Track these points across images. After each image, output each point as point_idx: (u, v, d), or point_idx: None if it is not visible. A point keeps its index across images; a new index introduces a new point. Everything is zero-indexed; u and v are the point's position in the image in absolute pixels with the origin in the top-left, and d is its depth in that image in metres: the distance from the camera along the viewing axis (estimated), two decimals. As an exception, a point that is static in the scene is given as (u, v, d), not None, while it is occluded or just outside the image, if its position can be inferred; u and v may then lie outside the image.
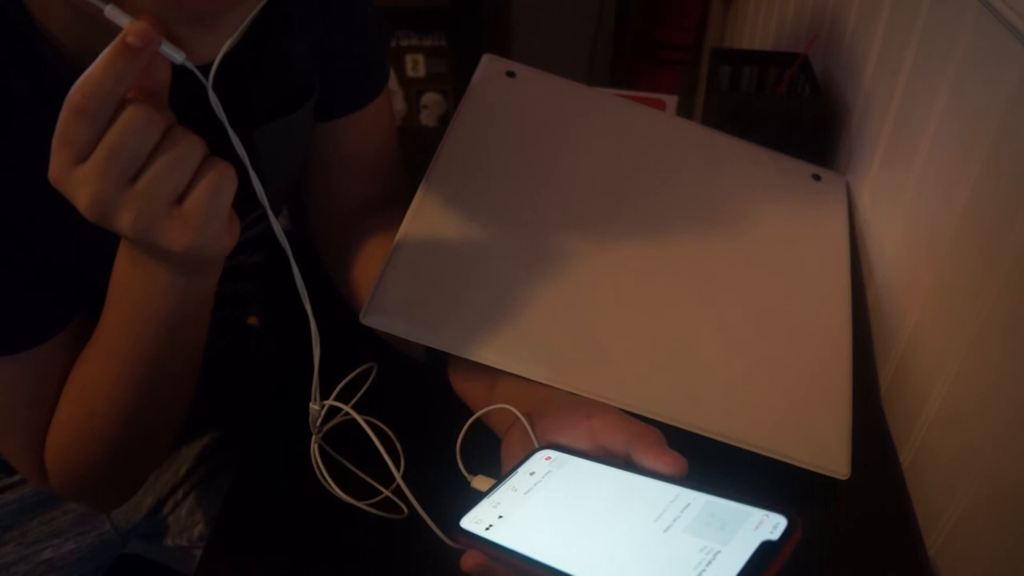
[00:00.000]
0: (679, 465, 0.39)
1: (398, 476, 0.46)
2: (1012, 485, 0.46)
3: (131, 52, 0.36)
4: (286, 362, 0.68)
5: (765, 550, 0.32)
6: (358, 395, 0.51)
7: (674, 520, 0.36)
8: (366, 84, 0.65)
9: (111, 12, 0.36)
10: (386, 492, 0.48)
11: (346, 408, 0.48)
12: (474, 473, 0.48)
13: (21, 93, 0.44)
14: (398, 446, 0.49)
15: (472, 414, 0.53)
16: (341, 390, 0.51)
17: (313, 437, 0.49)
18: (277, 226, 0.45)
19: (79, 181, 0.38)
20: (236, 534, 0.54)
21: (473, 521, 0.41)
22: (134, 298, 0.47)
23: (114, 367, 0.49)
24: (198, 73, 0.39)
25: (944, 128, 0.61)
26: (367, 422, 0.47)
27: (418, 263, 0.57)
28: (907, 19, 0.69)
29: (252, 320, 0.90)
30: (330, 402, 0.49)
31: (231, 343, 0.75)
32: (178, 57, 0.38)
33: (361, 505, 0.48)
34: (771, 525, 0.33)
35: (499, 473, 0.47)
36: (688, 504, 0.36)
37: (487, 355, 0.53)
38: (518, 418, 0.48)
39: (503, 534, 0.40)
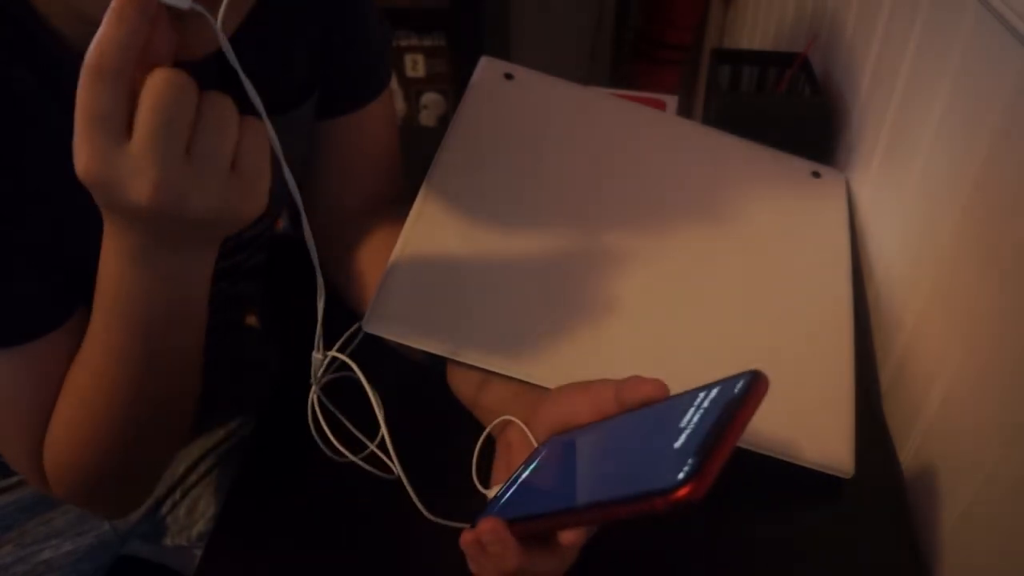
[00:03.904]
0: (659, 386, 0.41)
1: (387, 458, 0.46)
2: (1012, 484, 0.46)
3: (133, 2, 0.34)
4: (285, 362, 0.68)
5: (728, 407, 0.33)
6: (352, 344, 0.51)
7: (645, 428, 0.38)
8: (366, 83, 0.65)
9: None
10: (389, 472, 0.48)
11: (343, 358, 0.48)
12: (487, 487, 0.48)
13: (22, 80, 0.43)
14: (380, 415, 0.49)
15: (466, 414, 0.53)
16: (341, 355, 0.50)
17: (312, 388, 0.48)
18: (292, 182, 0.43)
19: (130, 169, 0.36)
20: (237, 533, 0.54)
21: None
22: (127, 292, 0.45)
23: (111, 367, 0.48)
24: (208, 16, 0.37)
25: (944, 127, 0.61)
26: (344, 393, 0.48)
27: (419, 269, 0.57)
28: (907, 19, 0.69)
29: (252, 321, 0.90)
30: (333, 352, 0.49)
31: (229, 343, 0.75)
32: (184, 2, 0.35)
33: (352, 458, 0.48)
34: (733, 387, 0.34)
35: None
36: (656, 410, 0.39)
37: (489, 360, 0.53)
38: (517, 422, 0.49)
39: (512, 511, 0.41)
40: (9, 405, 0.50)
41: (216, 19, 0.37)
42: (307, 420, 0.49)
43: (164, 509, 0.74)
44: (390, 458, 0.47)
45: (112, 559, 0.74)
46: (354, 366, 0.47)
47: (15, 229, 0.46)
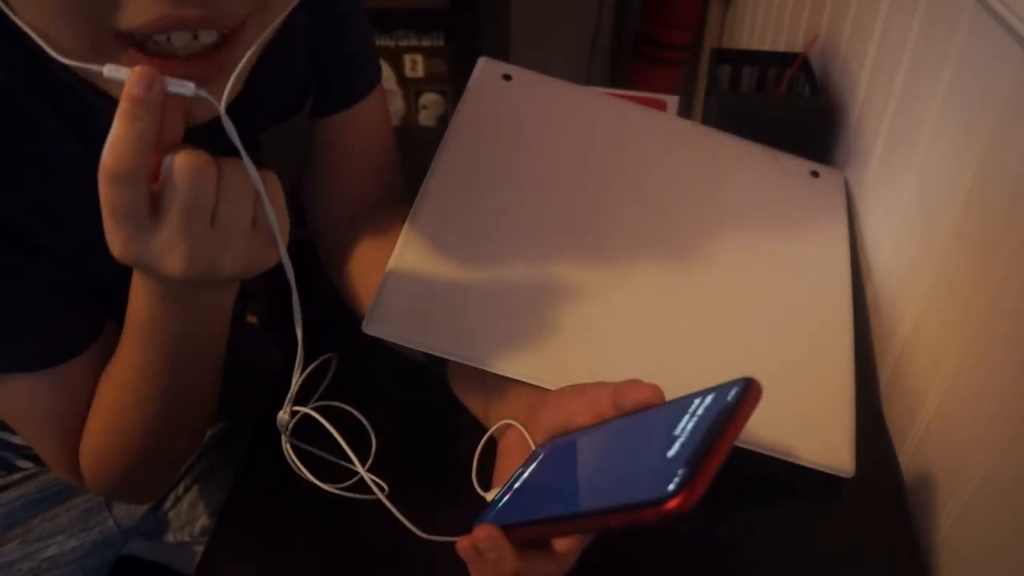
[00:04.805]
0: (655, 390, 0.42)
1: (361, 469, 0.46)
2: (1010, 483, 0.46)
3: (141, 102, 0.35)
4: (286, 359, 0.68)
5: (721, 415, 0.33)
6: (319, 391, 0.51)
7: (640, 434, 0.38)
8: (359, 78, 0.64)
9: (109, 71, 0.36)
10: (381, 488, 0.48)
11: (305, 409, 0.49)
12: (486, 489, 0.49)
13: (36, 108, 0.44)
14: (371, 433, 0.49)
15: (464, 419, 0.53)
16: (318, 386, 0.51)
17: (283, 437, 0.49)
18: (287, 259, 0.45)
19: (162, 250, 0.38)
20: (238, 530, 0.54)
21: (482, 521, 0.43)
22: (157, 322, 0.47)
23: (142, 387, 0.50)
24: (215, 102, 0.38)
25: (942, 127, 0.61)
26: (339, 408, 0.49)
27: (419, 270, 0.57)
28: (905, 19, 0.69)
29: (253, 319, 0.90)
30: (306, 408, 0.49)
31: (231, 340, 0.75)
32: (188, 89, 0.37)
33: (333, 489, 0.48)
34: (726, 395, 0.34)
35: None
36: (651, 415, 0.40)
37: (490, 361, 0.54)
38: (517, 425, 0.49)
39: (508, 516, 0.41)
40: (46, 420, 0.52)
41: (220, 102, 0.39)
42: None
43: (167, 505, 0.74)
44: (373, 486, 0.47)
45: (116, 555, 0.74)
46: (324, 420, 0.48)
47: (41, 257, 0.47)
